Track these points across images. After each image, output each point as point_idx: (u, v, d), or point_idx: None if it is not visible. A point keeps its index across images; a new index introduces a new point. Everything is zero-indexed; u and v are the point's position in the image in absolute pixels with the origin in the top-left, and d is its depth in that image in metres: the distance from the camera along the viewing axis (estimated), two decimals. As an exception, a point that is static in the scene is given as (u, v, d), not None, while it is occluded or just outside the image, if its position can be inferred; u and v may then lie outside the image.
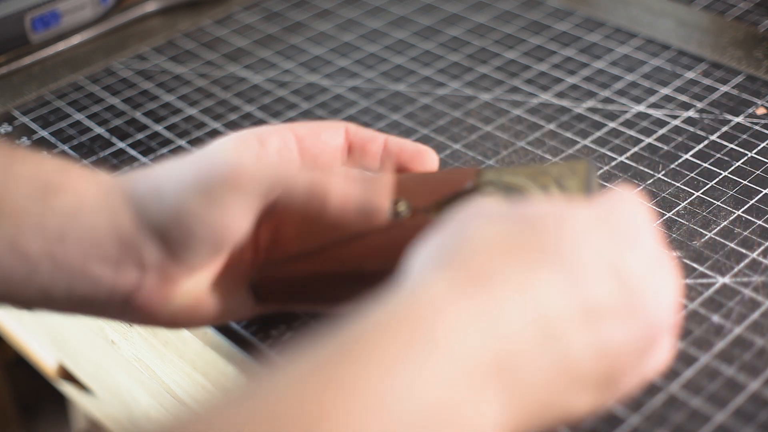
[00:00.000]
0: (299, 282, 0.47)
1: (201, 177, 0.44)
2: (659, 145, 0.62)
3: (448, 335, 0.34)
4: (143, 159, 0.64)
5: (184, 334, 0.52)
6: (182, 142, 0.66)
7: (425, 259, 0.38)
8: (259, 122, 0.67)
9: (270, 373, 0.34)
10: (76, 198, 0.44)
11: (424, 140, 0.64)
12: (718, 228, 0.55)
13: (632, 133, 0.63)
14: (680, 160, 0.60)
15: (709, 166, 0.60)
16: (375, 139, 0.51)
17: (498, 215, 0.39)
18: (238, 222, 0.43)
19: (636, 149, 0.62)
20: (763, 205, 0.56)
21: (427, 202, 0.47)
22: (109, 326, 0.62)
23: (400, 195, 0.47)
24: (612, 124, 0.64)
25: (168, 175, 0.45)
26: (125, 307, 0.45)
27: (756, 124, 0.63)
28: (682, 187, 0.58)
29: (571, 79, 0.69)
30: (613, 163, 0.61)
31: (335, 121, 0.52)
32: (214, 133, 0.66)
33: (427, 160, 0.51)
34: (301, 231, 0.47)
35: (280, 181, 0.44)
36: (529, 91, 0.68)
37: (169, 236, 0.43)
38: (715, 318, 0.49)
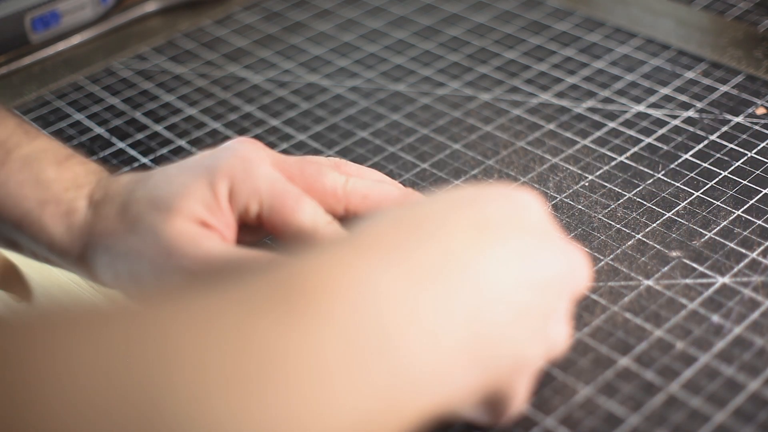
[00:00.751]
0: None
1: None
2: (659, 145, 0.62)
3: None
4: (143, 159, 0.64)
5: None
6: (182, 142, 0.66)
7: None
8: (259, 122, 0.67)
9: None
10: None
11: (424, 140, 0.64)
12: (718, 228, 0.55)
13: (632, 133, 0.63)
14: (680, 160, 0.60)
15: (709, 166, 0.60)
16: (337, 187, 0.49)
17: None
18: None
19: (636, 149, 0.62)
20: (763, 205, 0.56)
21: None
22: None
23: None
24: (612, 124, 0.64)
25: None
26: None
27: (756, 124, 0.63)
28: (682, 187, 0.58)
29: (571, 79, 0.69)
30: (613, 163, 0.61)
31: (318, 162, 0.50)
32: (214, 133, 0.66)
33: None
34: None
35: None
36: (528, 91, 0.68)
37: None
38: (715, 318, 0.49)
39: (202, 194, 0.47)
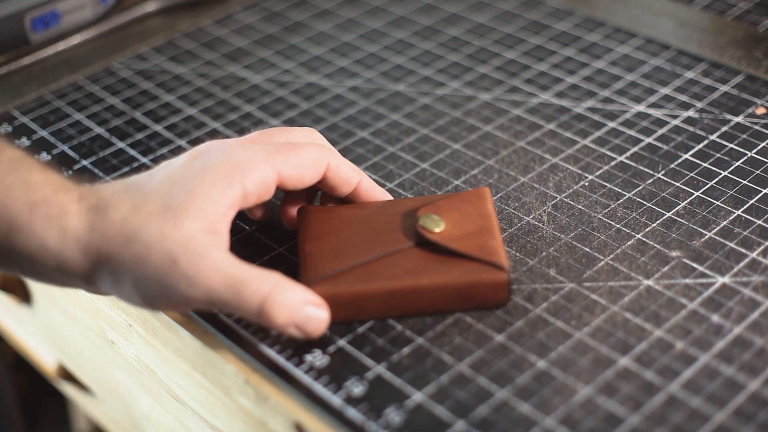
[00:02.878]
0: (344, 301, 0.50)
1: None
2: (659, 144, 0.62)
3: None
4: (143, 159, 0.64)
5: (184, 333, 0.52)
6: (182, 142, 0.66)
7: None
8: (259, 122, 0.67)
9: None
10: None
11: (424, 140, 0.64)
12: (718, 228, 0.55)
13: (632, 132, 0.63)
14: (680, 160, 0.60)
15: (709, 166, 0.60)
16: (349, 183, 0.53)
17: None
18: None
19: (636, 149, 0.62)
20: (763, 205, 0.56)
21: (459, 227, 0.51)
22: (108, 326, 0.62)
23: (436, 213, 0.52)
24: (612, 124, 0.64)
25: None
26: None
27: (756, 123, 0.63)
28: (682, 186, 0.58)
29: (571, 79, 0.69)
30: (613, 163, 0.61)
31: (320, 150, 0.52)
32: (214, 133, 0.66)
33: None
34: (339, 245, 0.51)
35: None
36: (528, 91, 0.68)
37: None
38: (715, 318, 0.49)
39: (215, 199, 0.47)
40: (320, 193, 0.56)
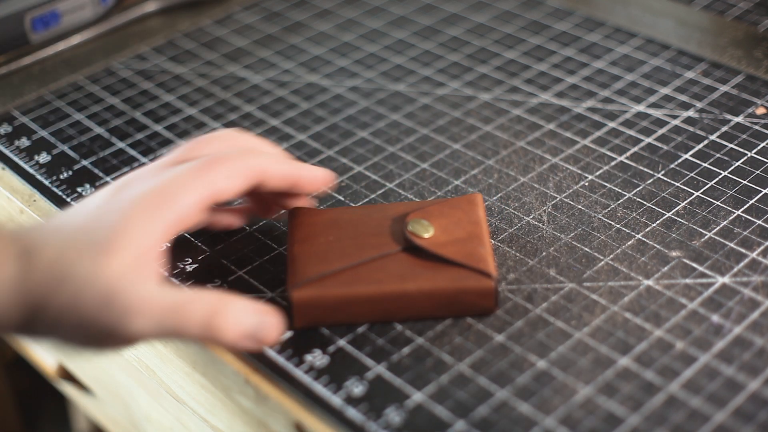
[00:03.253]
0: (330, 304, 0.50)
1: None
2: (659, 144, 0.62)
3: None
4: (143, 159, 0.64)
5: (184, 334, 0.52)
6: (182, 142, 0.65)
7: None
8: (259, 122, 0.67)
9: None
10: None
11: (424, 140, 0.64)
12: (718, 228, 0.55)
13: (632, 132, 0.63)
14: (680, 160, 0.60)
15: (709, 166, 0.60)
16: (289, 179, 0.52)
17: None
18: None
19: (636, 149, 0.62)
20: (763, 205, 0.56)
21: (447, 232, 0.51)
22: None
23: (426, 219, 0.52)
24: (612, 124, 0.64)
25: None
26: None
27: (756, 123, 0.63)
28: (682, 186, 0.58)
29: (571, 79, 0.69)
30: (613, 163, 0.61)
31: (246, 158, 0.50)
32: (214, 133, 0.66)
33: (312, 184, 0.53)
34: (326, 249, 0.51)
35: None
36: (528, 91, 0.68)
37: None
38: (715, 318, 0.49)
39: (142, 231, 0.46)
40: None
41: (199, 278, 0.54)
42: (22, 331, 0.46)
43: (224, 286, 0.53)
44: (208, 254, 0.55)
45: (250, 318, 0.46)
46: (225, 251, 0.56)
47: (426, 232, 0.51)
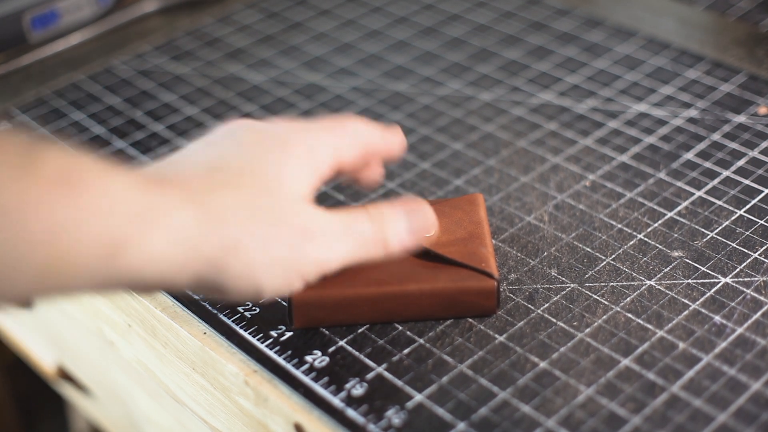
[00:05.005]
0: (331, 305, 0.49)
1: None
2: (660, 144, 0.62)
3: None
4: (143, 158, 0.64)
5: (184, 334, 0.52)
6: (182, 142, 0.65)
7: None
8: (259, 122, 0.67)
9: None
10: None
11: (424, 140, 0.64)
12: (720, 228, 0.55)
13: (633, 132, 0.63)
14: (682, 160, 0.60)
15: (711, 166, 0.60)
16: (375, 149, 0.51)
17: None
18: None
19: (637, 149, 0.61)
20: (765, 205, 0.56)
21: (450, 233, 0.51)
22: (108, 327, 0.62)
23: None
24: (613, 124, 0.64)
25: None
26: None
27: (758, 123, 0.63)
28: (684, 186, 0.58)
29: (572, 79, 0.69)
30: (615, 163, 0.60)
31: (359, 123, 0.50)
32: (214, 133, 0.66)
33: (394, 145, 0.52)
34: None
35: None
36: (529, 91, 0.68)
37: None
38: (717, 318, 0.49)
39: (312, 167, 0.46)
40: None
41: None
42: (195, 283, 0.43)
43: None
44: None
45: (403, 223, 0.47)
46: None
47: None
